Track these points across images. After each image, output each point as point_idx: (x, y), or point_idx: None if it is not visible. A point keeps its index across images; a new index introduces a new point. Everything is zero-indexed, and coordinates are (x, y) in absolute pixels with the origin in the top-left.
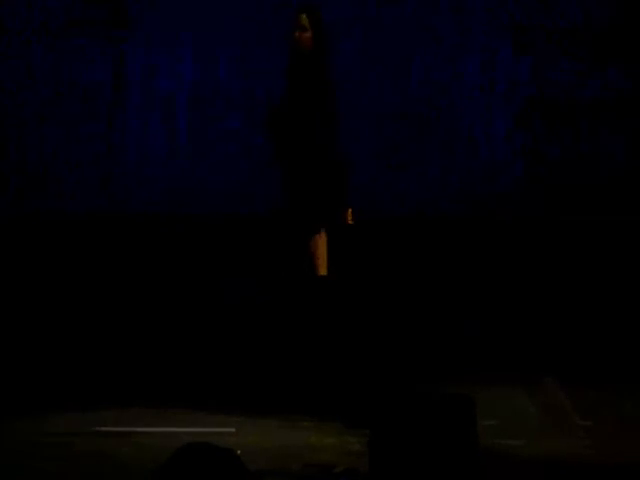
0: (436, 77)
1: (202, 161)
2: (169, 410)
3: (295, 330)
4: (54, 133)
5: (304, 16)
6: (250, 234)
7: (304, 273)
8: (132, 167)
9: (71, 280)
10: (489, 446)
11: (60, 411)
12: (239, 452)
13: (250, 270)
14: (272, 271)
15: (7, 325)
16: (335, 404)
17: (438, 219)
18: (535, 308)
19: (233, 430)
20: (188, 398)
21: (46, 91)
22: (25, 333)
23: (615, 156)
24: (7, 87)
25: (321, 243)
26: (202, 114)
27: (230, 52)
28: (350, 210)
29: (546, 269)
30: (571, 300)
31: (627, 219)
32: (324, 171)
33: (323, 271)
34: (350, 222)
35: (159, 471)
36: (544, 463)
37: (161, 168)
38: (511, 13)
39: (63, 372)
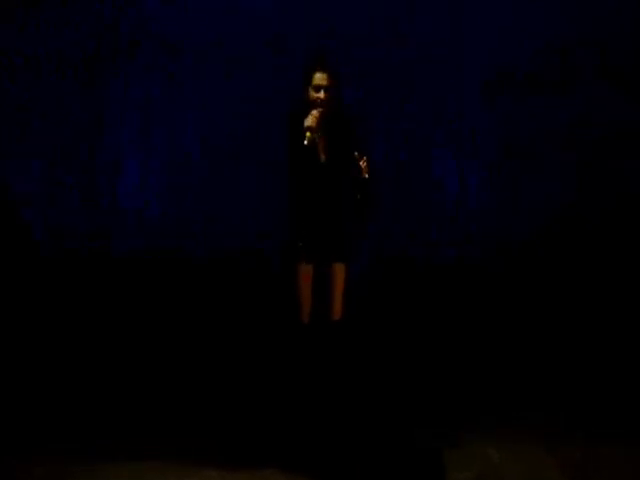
0: None
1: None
2: (139, 461)
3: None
4: None
5: (325, 75)
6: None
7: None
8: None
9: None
10: None
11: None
12: None
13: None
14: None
15: None
16: (311, 457)
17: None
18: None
19: None
20: (157, 450)
21: None
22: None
23: None
24: None
25: (338, 288)
26: None
27: None
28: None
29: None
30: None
31: None
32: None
33: (337, 316)
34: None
35: None
36: None
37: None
38: None
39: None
